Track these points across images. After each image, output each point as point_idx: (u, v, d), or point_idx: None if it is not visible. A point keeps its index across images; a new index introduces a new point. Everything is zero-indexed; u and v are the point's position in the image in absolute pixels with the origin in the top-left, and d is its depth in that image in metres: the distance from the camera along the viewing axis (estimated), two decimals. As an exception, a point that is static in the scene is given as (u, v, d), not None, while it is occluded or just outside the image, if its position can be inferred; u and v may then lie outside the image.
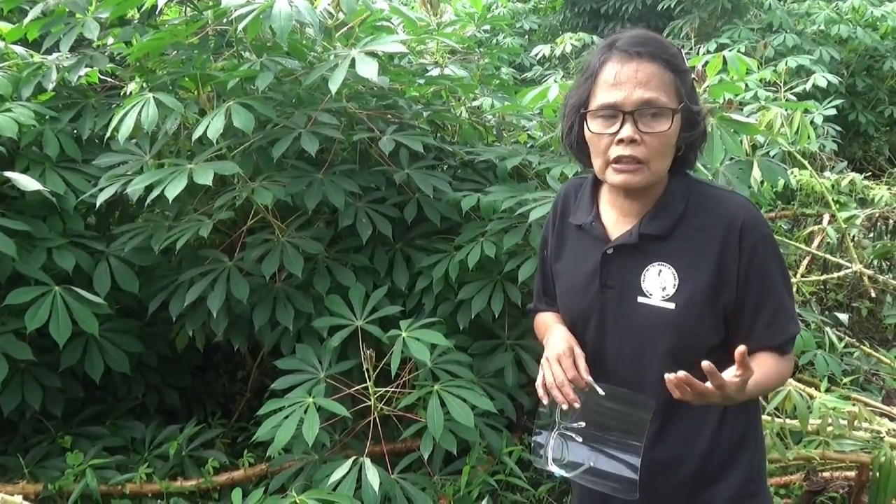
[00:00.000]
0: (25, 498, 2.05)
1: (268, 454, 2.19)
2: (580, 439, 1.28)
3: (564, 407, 1.25)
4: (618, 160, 1.21)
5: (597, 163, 1.27)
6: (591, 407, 1.27)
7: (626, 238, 1.28)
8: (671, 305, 1.24)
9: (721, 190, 1.31)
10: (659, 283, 1.25)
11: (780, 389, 2.31)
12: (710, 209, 1.25)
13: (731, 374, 1.11)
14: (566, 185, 1.48)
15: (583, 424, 1.27)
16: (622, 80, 1.19)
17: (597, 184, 1.39)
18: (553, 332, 1.37)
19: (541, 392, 1.29)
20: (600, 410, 1.27)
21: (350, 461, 2.12)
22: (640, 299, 1.27)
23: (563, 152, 2.66)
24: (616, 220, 1.33)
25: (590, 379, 1.27)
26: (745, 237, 1.22)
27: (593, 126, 1.24)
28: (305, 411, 2.13)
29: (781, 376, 1.29)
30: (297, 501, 1.94)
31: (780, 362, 1.28)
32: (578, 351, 1.31)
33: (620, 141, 1.20)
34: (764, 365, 1.24)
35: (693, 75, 2.83)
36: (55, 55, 2.71)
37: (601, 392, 1.26)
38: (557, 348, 1.30)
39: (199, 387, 3.10)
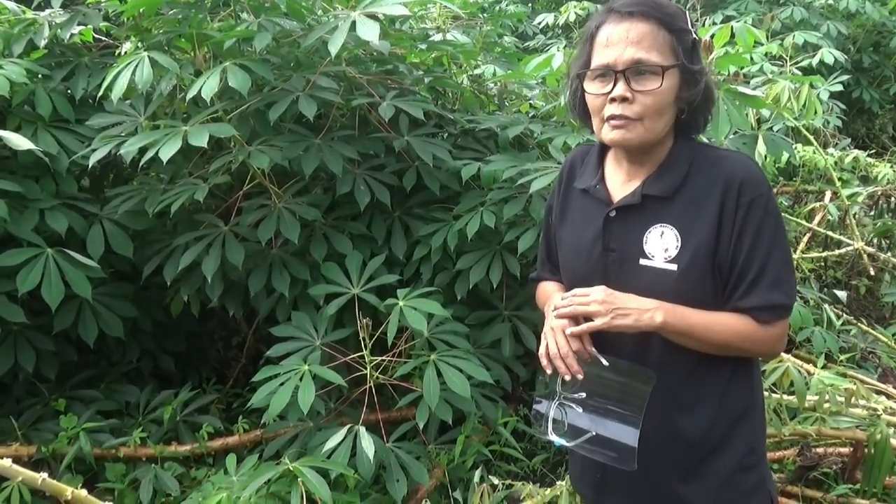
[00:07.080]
0: (18, 460, 2.04)
1: (262, 421, 2.18)
2: (580, 409, 1.27)
3: (567, 378, 1.25)
4: (612, 118, 1.23)
5: (595, 123, 1.29)
6: (593, 378, 1.26)
7: (628, 199, 1.28)
8: (673, 267, 1.22)
9: (724, 150, 1.29)
10: (661, 245, 1.24)
11: (777, 366, 2.30)
12: (712, 169, 1.24)
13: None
14: (573, 152, 1.49)
15: (583, 395, 1.27)
16: (614, 41, 1.21)
17: (603, 149, 1.39)
18: (556, 301, 1.35)
19: (544, 362, 1.28)
20: (601, 381, 1.26)
21: (345, 429, 2.12)
22: (643, 262, 1.25)
23: (567, 120, 2.61)
24: (621, 184, 1.32)
25: (594, 350, 1.26)
26: (743, 194, 1.20)
27: (590, 88, 1.26)
28: (301, 379, 2.11)
29: (740, 334, 1.21)
30: (292, 468, 1.93)
31: (747, 322, 1.21)
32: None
33: (613, 100, 1.22)
34: (718, 314, 1.21)
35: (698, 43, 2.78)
36: (47, 11, 2.64)
37: (605, 363, 1.25)
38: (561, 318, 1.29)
39: (194, 352, 3.10)
